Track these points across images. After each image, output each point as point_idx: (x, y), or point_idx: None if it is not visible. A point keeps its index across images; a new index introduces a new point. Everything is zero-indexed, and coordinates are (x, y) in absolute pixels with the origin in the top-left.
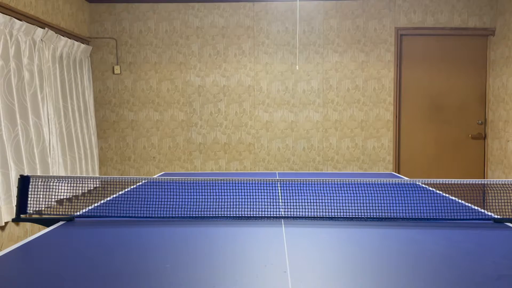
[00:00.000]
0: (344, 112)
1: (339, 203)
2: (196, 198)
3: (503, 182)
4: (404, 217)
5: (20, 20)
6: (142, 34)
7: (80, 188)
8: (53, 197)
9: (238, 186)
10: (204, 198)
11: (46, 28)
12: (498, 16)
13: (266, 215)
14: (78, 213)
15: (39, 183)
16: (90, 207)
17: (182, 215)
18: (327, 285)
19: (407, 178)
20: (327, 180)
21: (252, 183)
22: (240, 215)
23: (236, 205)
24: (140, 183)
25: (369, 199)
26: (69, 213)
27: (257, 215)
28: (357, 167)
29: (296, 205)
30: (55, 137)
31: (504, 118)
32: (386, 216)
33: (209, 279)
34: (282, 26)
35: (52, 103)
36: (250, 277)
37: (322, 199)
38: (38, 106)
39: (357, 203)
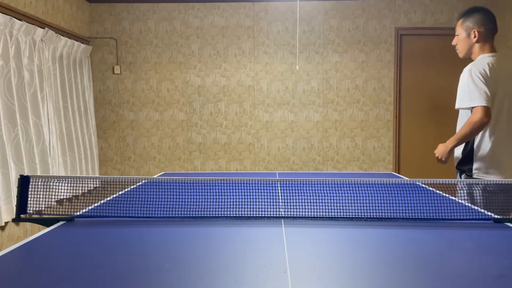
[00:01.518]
0: (344, 112)
1: (339, 203)
2: (196, 198)
3: (503, 182)
4: (404, 217)
5: (20, 20)
6: (142, 34)
7: (80, 188)
8: (53, 197)
9: (238, 186)
10: (204, 198)
11: (46, 28)
12: (498, 16)
13: (266, 215)
14: (78, 213)
15: (39, 183)
16: (90, 207)
17: (182, 215)
18: (327, 285)
19: (407, 178)
20: (327, 180)
21: (252, 183)
22: (240, 215)
23: (236, 205)
24: (140, 183)
25: (369, 199)
26: (69, 213)
27: (257, 215)
28: (357, 167)
29: (296, 205)
30: (55, 137)
31: None
32: (386, 216)
33: (209, 279)
34: (282, 26)
35: (52, 103)
36: (250, 277)
37: (322, 199)
38: (38, 106)
39: (357, 203)
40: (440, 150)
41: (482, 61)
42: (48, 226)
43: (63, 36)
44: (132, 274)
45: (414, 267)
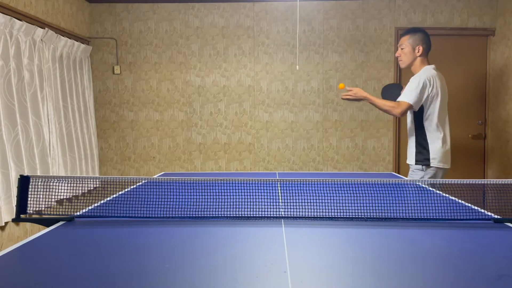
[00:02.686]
0: (344, 112)
1: (339, 203)
2: (196, 198)
3: (503, 182)
4: (404, 217)
5: (20, 20)
6: (142, 34)
7: (80, 188)
8: (53, 197)
9: (238, 186)
10: (204, 198)
11: (46, 28)
12: (498, 16)
13: (266, 215)
14: (78, 213)
15: (39, 183)
16: (90, 207)
17: (182, 215)
18: (327, 285)
19: (407, 178)
20: (327, 180)
21: (252, 183)
22: (240, 215)
23: (236, 205)
24: (140, 183)
25: (369, 199)
26: (69, 213)
27: (257, 215)
28: (357, 167)
29: (296, 205)
30: (55, 137)
31: (504, 118)
32: (386, 216)
33: (209, 279)
34: (282, 26)
35: (52, 103)
36: (250, 277)
37: (322, 199)
38: (38, 106)
39: (357, 203)
40: (358, 91)
41: (430, 71)
42: (48, 226)
43: (63, 36)
44: (132, 274)
45: (414, 267)
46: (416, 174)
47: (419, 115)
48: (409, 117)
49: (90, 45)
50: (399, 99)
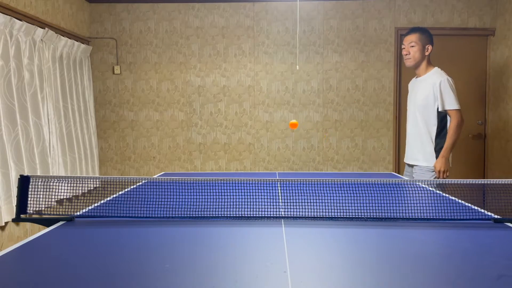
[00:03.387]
0: (344, 112)
1: (339, 203)
2: (196, 198)
3: (503, 182)
4: (404, 217)
5: (20, 20)
6: (142, 34)
7: (80, 188)
8: (53, 197)
9: (238, 186)
10: (204, 198)
11: (46, 28)
12: (498, 16)
13: (266, 215)
14: (78, 213)
15: (39, 183)
16: (90, 207)
17: (182, 215)
18: (327, 285)
19: (407, 178)
20: (327, 180)
21: (252, 183)
22: (240, 215)
23: (236, 205)
24: (140, 183)
25: (369, 199)
26: (69, 213)
27: (257, 215)
28: (357, 167)
29: (296, 205)
30: (55, 137)
31: (504, 118)
32: (386, 216)
33: (209, 279)
34: (282, 26)
35: (52, 103)
36: (250, 277)
37: (322, 199)
38: (38, 106)
39: (357, 203)
40: (442, 164)
41: (443, 73)
42: (48, 226)
43: (63, 36)
44: (132, 274)
45: (414, 267)
46: (429, 174)
47: (445, 118)
48: (425, 119)
49: (90, 45)
50: (444, 108)
